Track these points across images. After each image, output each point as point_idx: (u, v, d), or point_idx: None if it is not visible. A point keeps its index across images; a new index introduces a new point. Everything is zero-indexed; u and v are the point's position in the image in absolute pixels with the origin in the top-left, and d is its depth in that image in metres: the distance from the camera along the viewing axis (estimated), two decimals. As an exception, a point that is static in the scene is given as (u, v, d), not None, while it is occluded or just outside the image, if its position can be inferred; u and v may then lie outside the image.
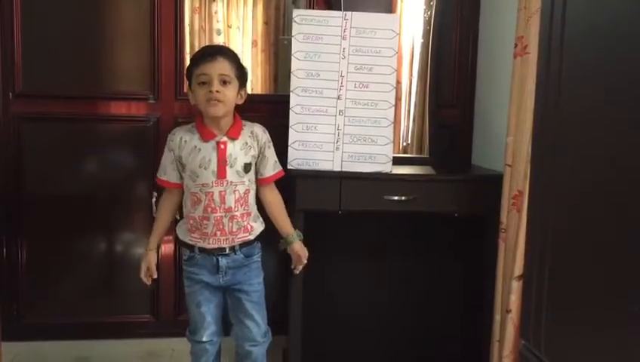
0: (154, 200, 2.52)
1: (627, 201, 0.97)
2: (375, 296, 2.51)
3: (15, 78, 2.44)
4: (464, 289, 2.50)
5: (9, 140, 2.46)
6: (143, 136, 2.54)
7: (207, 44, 2.67)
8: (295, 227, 2.03)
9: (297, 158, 2.16)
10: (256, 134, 1.94)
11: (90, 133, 2.54)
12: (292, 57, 2.18)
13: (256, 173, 1.96)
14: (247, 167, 1.90)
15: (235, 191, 1.87)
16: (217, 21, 2.72)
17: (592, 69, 1.08)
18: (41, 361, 2.45)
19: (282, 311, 2.23)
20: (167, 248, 2.58)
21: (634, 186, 0.95)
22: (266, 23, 2.73)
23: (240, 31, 2.75)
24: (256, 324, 1.96)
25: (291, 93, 2.18)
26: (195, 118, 1.95)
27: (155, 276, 2.00)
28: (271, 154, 1.98)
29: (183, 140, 1.89)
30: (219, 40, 2.72)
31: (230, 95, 1.85)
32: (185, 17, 2.55)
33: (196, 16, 2.68)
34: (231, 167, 1.87)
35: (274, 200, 2.00)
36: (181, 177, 1.94)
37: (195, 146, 1.87)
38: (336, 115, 2.19)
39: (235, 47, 2.72)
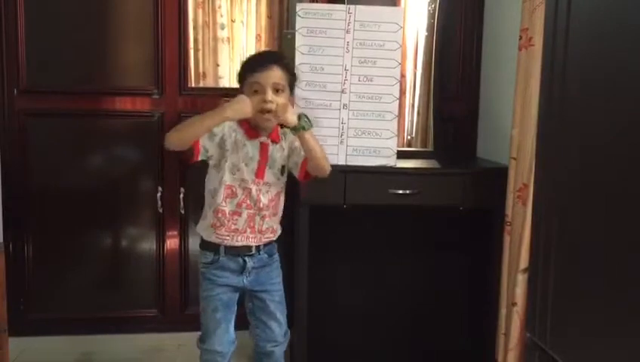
0: (159, 194, 2.53)
1: (632, 194, 0.97)
2: (380, 290, 2.51)
3: (19, 74, 2.45)
4: (469, 283, 2.50)
5: (14, 136, 2.47)
6: (148, 131, 2.55)
7: (211, 38, 2.67)
8: (300, 222, 2.02)
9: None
10: (284, 132, 1.93)
11: (95, 128, 2.54)
12: (296, 51, 2.17)
13: (294, 165, 1.91)
14: (283, 170, 1.91)
15: (268, 191, 1.88)
16: (221, 15, 2.72)
17: (596, 60, 1.08)
18: (47, 356, 2.46)
19: (287, 306, 2.23)
20: (173, 243, 2.59)
21: (638, 179, 0.95)
22: (269, 17, 2.72)
23: (244, 25, 2.75)
24: (279, 324, 1.95)
25: (295, 87, 2.17)
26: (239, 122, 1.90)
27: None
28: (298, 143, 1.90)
29: (232, 129, 1.85)
30: (223, 34, 2.72)
31: (282, 102, 1.83)
32: (189, 12, 2.55)
33: (200, 11, 2.68)
34: (270, 168, 1.88)
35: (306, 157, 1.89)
36: (206, 149, 1.81)
37: (240, 140, 1.86)
38: (340, 109, 2.19)
39: (238, 41, 2.73)
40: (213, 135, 1.83)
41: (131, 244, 2.60)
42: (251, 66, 1.85)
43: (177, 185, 2.54)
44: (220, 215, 1.86)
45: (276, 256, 1.98)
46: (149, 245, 2.59)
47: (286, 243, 2.17)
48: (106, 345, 2.53)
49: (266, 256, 1.93)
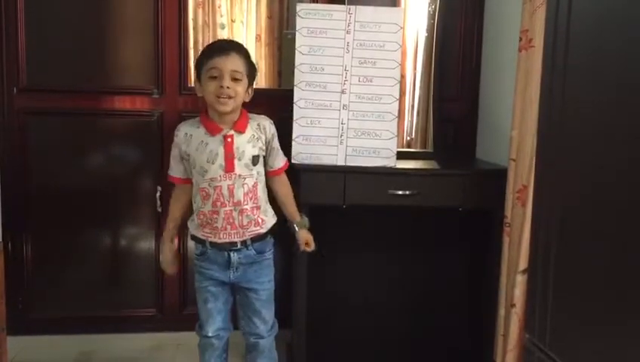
0: (158, 194, 2.53)
1: (632, 195, 0.97)
2: (379, 290, 2.52)
3: (19, 73, 2.45)
4: (468, 284, 2.50)
5: (13, 135, 2.47)
6: (147, 131, 2.54)
7: (211, 38, 2.67)
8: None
9: (301, 153, 2.16)
10: (263, 126, 1.92)
11: (95, 127, 2.54)
12: (296, 51, 2.17)
13: (265, 165, 1.95)
14: (255, 160, 1.89)
15: (243, 184, 1.86)
16: (221, 15, 2.72)
17: (597, 62, 1.08)
18: (46, 355, 2.46)
19: (287, 305, 2.23)
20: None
21: (638, 180, 0.95)
22: (269, 17, 2.72)
23: (244, 25, 2.75)
24: (264, 321, 1.97)
25: (295, 88, 2.17)
26: (200, 113, 1.94)
27: (173, 266, 2.03)
28: (278, 146, 1.98)
29: (188, 135, 1.88)
30: (223, 34, 2.72)
31: (240, 91, 1.84)
32: (189, 12, 2.55)
33: (200, 11, 2.68)
34: (239, 160, 1.86)
35: (285, 189, 2.01)
36: (185, 171, 1.94)
37: (202, 141, 1.86)
38: (340, 110, 2.19)
39: (239, 41, 2.72)
40: (178, 156, 1.93)
41: (130, 244, 2.60)
42: (210, 52, 1.85)
43: (152, 184, 2.53)
44: (202, 216, 1.89)
45: (268, 254, 1.97)
46: (147, 244, 2.59)
47: (285, 243, 2.16)
48: (105, 344, 2.53)
49: (253, 252, 1.92)
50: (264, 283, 1.96)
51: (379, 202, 2.16)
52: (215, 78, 1.81)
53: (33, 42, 2.44)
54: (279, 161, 1.97)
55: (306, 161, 2.16)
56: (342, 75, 2.18)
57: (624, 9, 1.00)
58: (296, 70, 2.17)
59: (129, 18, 2.51)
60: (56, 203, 2.53)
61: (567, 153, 1.17)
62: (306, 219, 2.03)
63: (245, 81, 1.85)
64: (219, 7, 2.71)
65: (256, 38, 2.73)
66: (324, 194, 2.12)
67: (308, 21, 2.17)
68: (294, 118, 2.16)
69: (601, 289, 1.06)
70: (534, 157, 1.77)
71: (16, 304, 2.48)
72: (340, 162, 2.18)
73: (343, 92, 2.18)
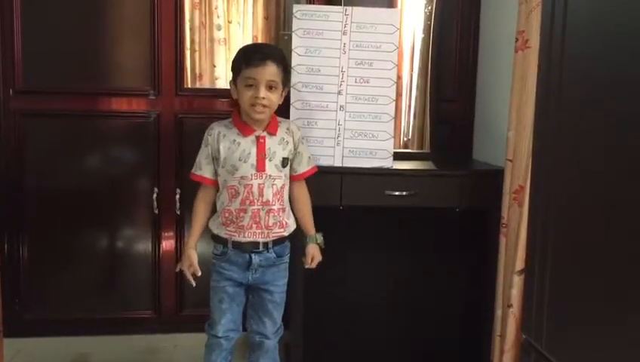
0: (155, 195, 2.53)
1: (628, 195, 0.97)
2: (376, 291, 2.51)
3: (15, 74, 2.44)
4: (465, 284, 2.50)
5: (10, 137, 2.46)
6: (144, 132, 2.54)
7: (207, 39, 2.67)
8: (296, 223, 2.03)
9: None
10: (292, 130, 1.95)
11: (91, 129, 2.54)
12: (292, 53, 2.17)
13: (291, 170, 1.96)
14: (284, 162, 1.91)
15: (273, 185, 1.88)
16: (218, 16, 2.72)
17: (593, 62, 1.08)
18: (42, 357, 2.45)
19: (285, 306, 2.23)
20: (169, 244, 2.58)
21: (635, 180, 0.95)
22: (266, 18, 2.72)
23: (240, 26, 2.74)
24: (273, 323, 1.98)
25: (292, 89, 2.17)
26: (232, 114, 1.94)
27: (199, 274, 1.94)
28: (305, 150, 1.99)
29: (221, 134, 1.89)
30: (219, 35, 2.72)
31: (275, 99, 1.86)
32: (185, 13, 2.55)
33: (196, 12, 2.68)
34: (270, 160, 1.88)
35: (304, 196, 2.01)
36: (216, 173, 1.93)
37: (235, 140, 1.88)
38: (337, 111, 2.19)
39: (235, 42, 2.72)
40: (208, 156, 1.91)
41: (127, 245, 2.59)
42: (248, 59, 1.85)
43: (173, 186, 2.53)
44: (227, 214, 1.90)
45: (286, 258, 1.99)
46: (144, 246, 2.59)
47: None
48: (102, 346, 2.52)
49: (274, 255, 1.93)
50: (280, 286, 1.98)
51: (376, 203, 2.16)
52: (251, 86, 1.82)
53: (30, 44, 2.44)
54: (303, 166, 1.98)
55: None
56: (338, 76, 2.18)
57: (620, 9, 1.00)
58: (292, 71, 2.17)
59: (125, 19, 2.51)
60: (52, 204, 2.52)
61: (564, 153, 1.18)
62: (320, 236, 2.02)
63: (280, 88, 1.88)
64: (215, 9, 2.71)
65: (253, 39, 2.73)
66: (320, 196, 2.11)
67: (304, 22, 2.17)
68: (291, 120, 2.16)
69: (598, 290, 1.06)
70: (531, 158, 1.78)
71: (13, 306, 2.48)
72: (337, 163, 2.18)
73: (339, 93, 2.18)
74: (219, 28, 2.73)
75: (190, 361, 2.03)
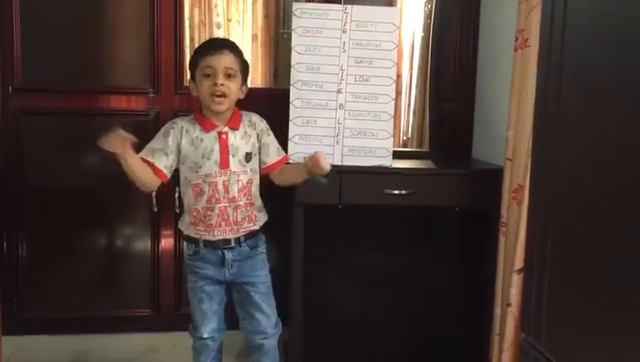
0: (154, 193, 2.52)
1: (628, 195, 0.97)
2: (375, 290, 2.51)
3: (14, 72, 2.44)
4: (464, 283, 2.50)
5: (8, 134, 2.46)
6: (143, 130, 2.52)
7: (207, 37, 2.66)
8: (295, 222, 2.02)
9: (297, 152, 2.16)
10: (253, 122, 1.95)
11: (90, 127, 2.52)
12: (292, 51, 2.17)
13: (260, 162, 1.95)
14: (248, 156, 1.90)
15: (238, 180, 1.87)
16: (217, 14, 2.71)
17: (593, 62, 1.08)
18: (41, 355, 2.45)
19: (283, 304, 2.23)
20: (168, 242, 2.58)
21: (635, 179, 0.95)
22: (265, 16, 2.72)
23: (240, 24, 2.74)
24: (266, 316, 1.96)
25: (291, 87, 2.17)
26: (194, 110, 1.94)
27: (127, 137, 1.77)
28: (271, 140, 1.97)
29: (184, 129, 1.89)
30: (219, 33, 2.71)
31: (234, 89, 1.85)
32: (185, 11, 2.54)
33: (196, 10, 2.67)
34: (233, 156, 1.87)
35: (285, 174, 1.96)
36: (168, 167, 1.86)
37: (197, 137, 1.87)
38: (336, 109, 2.18)
39: (234, 40, 2.71)
40: (166, 149, 1.86)
41: (126, 244, 2.59)
42: (203, 51, 1.86)
43: (172, 185, 2.52)
44: (195, 213, 1.89)
45: (261, 248, 1.98)
46: (144, 244, 2.59)
47: (281, 242, 2.16)
48: (101, 344, 2.52)
49: (247, 248, 1.93)
50: (261, 276, 1.96)
51: (375, 202, 2.16)
52: (209, 75, 1.82)
53: (28, 41, 2.43)
54: (272, 157, 1.96)
55: (302, 161, 2.16)
56: (338, 74, 2.18)
57: (620, 8, 1.00)
58: (292, 69, 2.17)
59: (125, 17, 2.50)
60: (51, 202, 2.52)
61: (563, 153, 1.17)
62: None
63: (239, 77, 1.87)
64: (215, 6, 2.70)
65: (253, 37, 2.72)
66: (320, 194, 2.11)
67: (304, 20, 2.17)
68: (290, 118, 2.16)
69: (597, 289, 1.06)
70: (530, 157, 1.78)
71: (12, 304, 2.48)
72: (336, 161, 2.17)
73: (339, 91, 2.18)
74: (218, 26, 2.72)
75: (188, 359, 2.02)
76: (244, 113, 1.96)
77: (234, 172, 1.87)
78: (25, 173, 2.48)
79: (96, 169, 2.53)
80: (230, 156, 1.87)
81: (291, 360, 2.24)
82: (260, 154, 1.95)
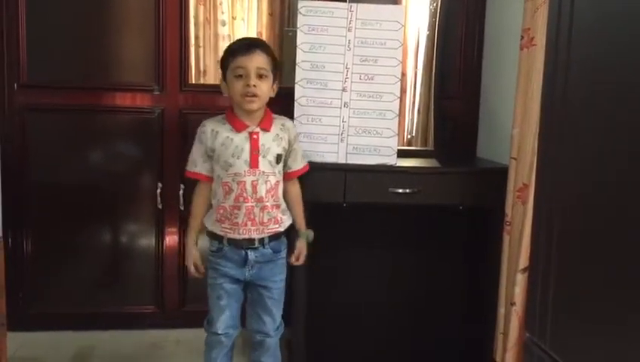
0: (159, 191, 2.53)
1: (634, 194, 0.97)
2: (379, 288, 2.51)
3: (20, 69, 2.45)
4: (468, 282, 2.50)
5: (14, 131, 2.47)
6: (148, 128, 2.54)
7: (212, 35, 2.67)
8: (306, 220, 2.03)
9: (302, 150, 2.15)
10: (287, 127, 1.95)
11: (95, 124, 2.54)
12: (297, 49, 2.17)
13: (285, 166, 1.96)
14: (278, 158, 1.90)
15: (266, 181, 1.88)
16: (222, 12, 2.71)
17: (600, 61, 1.08)
18: (45, 351, 2.45)
19: (286, 303, 2.23)
20: (172, 239, 2.59)
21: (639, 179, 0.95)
22: (270, 14, 2.72)
23: (245, 22, 2.74)
24: (273, 320, 1.97)
25: (296, 85, 2.17)
26: (226, 110, 1.93)
27: (203, 271, 1.97)
28: (299, 147, 1.99)
29: (214, 131, 1.88)
30: (224, 31, 2.72)
31: (265, 89, 1.85)
32: (190, 8, 2.55)
33: (201, 8, 2.67)
34: (263, 157, 1.87)
35: (296, 193, 2.01)
36: (212, 170, 1.92)
37: (228, 136, 1.87)
38: (341, 107, 2.18)
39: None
40: (204, 154, 1.91)
41: (131, 240, 2.60)
42: (235, 51, 1.86)
43: (177, 182, 2.53)
44: (221, 211, 1.89)
45: (282, 254, 1.98)
46: (148, 241, 2.59)
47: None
48: (105, 340, 2.53)
49: (270, 251, 1.93)
50: (277, 282, 1.97)
51: (379, 200, 2.16)
52: (241, 76, 1.83)
53: (34, 38, 2.44)
54: (297, 163, 1.98)
55: (307, 159, 2.16)
56: (343, 72, 2.18)
57: (627, 6, 1.00)
58: (297, 68, 2.17)
59: (130, 14, 2.51)
60: (56, 199, 2.53)
61: (569, 152, 1.17)
62: (310, 233, 2.02)
63: (270, 77, 1.87)
64: (220, 4, 2.71)
65: (257, 35, 2.72)
66: (324, 192, 2.12)
67: (309, 18, 2.17)
68: (295, 116, 2.16)
69: (602, 288, 1.06)
70: (535, 156, 1.78)
71: (17, 300, 2.48)
72: (341, 160, 2.18)
73: (343, 90, 2.18)
74: (223, 24, 2.73)
75: (192, 356, 2.03)
76: (276, 116, 1.96)
77: (263, 172, 1.87)
78: (30, 169, 2.49)
79: (100, 166, 2.54)
80: (260, 157, 1.87)
81: (295, 358, 2.24)
82: (287, 158, 1.96)
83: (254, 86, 1.81)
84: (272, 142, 1.89)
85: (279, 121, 1.94)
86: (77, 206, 2.54)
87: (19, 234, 2.51)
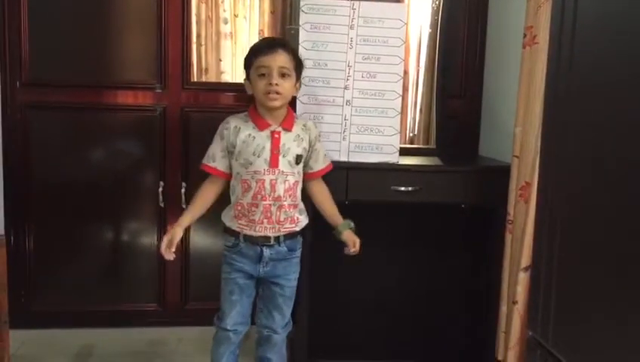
0: (161, 189, 2.53)
1: (636, 193, 0.97)
2: (382, 286, 2.51)
3: (22, 67, 2.45)
4: (470, 280, 2.49)
5: (16, 129, 2.47)
6: (150, 126, 2.55)
7: (214, 33, 2.67)
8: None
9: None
10: (308, 127, 1.96)
11: (97, 122, 2.54)
12: (299, 47, 2.16)
13: (305, 166, 1.96)
14: (298, 159, 1.91)
15: (285, 181, 1.88)
16: (224, 10, 2.71)
17: (603, 57, 1.07)
18: (48, 348, 2.46)
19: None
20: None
21: (645, 177, 0.95)
22: (272, 12, 2.71)
23: (247, 20, 2.74)
24: (283, 317, 1.99)
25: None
26: (249, 108, 1.94)
27: (174, 250, 1.90)
28: (321, 148, 2.00)
29: (237, 128, 1.90)
30: (226, 29, 2.72)
31: (288, 87, 1.86)
32: (192, 6, 2.55)
33: (203, 6, 2.67)
34: (283, 156, 1.88)
35: (323, 191, 2.02)
36: (229, 166, 1.93)
37: (250, 134, 1.88)
38: (343, 105, 2.18)
39: (241, 36, 2.72)
40: (224, 150, 1.91)
41: (132, 238, 2.60)
42: (258, 50, 1.88)
43: (179, 180, 2.54)
44: (239, 208, 1.90)
45: (297, 253, 1.99)
46: (150, 239, 2.60)
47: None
48: (107, 338, 2.53)
49: (285, 249, 1.94)
50: (291, 280, 1.99)
51: (381, 198, 2.16)
52: (264, 75, 1.84)
53: (36, 36, 2.44)
54: (319, 164, 1.99)
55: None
56: (345, 70, 2.18)
57: (631, 4, 0.99)
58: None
59: (132, 12, 2.51)
60: (58, 197, 2.53)
61: (571, 150, 1.17)
62: (349, 221, 2.02)
63: (293, 76, 1.89)
64: (222, 2, 2.71)
65: (259, 33, 2.72)
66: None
67: (311, 16, 2.17)
68: (297, 114, 2.16)
69: (604, 287, 1.06)
70: (538, 155, 1.77)
71: (19, 297, 2.49)
72: (343, 158, 2.18)
73: (346, 88, 2.18)
74: (225, 22, 2.73)
75: (194, 354, 2.03)
76: (298, 116, 1.98)
77: (282, 172, 1.88)
78: (32, 167, 2.49)
79: (102, 164, 2.55)
80: (280, 156, 1.88)
81: (296, 355, 2.24)
82: (309, 159, 1.97)
83: (277, 84, 1.82)
84: (292, 142, 1.90)
85: (301, 122, 1.96)
86: (79, 203, 2.54)
87: (21, 231, 2.51)
